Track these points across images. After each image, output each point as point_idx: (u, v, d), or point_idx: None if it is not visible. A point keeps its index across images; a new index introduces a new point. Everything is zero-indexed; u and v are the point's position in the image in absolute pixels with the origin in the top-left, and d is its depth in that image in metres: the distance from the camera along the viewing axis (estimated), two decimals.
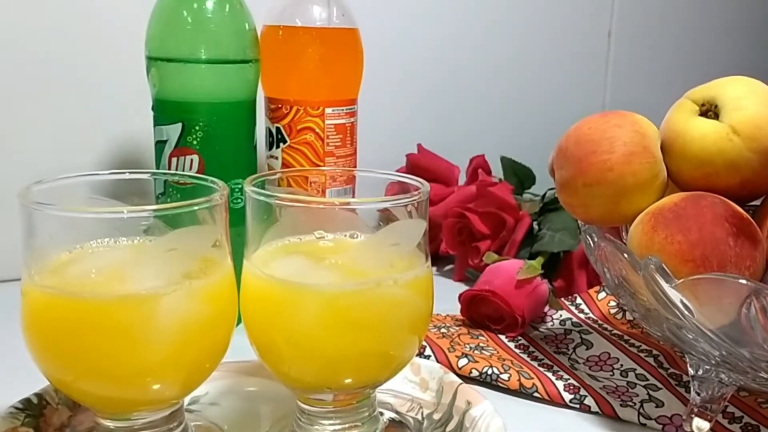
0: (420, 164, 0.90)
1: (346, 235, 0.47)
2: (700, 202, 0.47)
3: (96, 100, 0.78)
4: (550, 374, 0.59)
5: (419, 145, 0.91)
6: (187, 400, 0.47)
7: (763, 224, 0.49)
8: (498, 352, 0.62)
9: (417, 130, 0.96)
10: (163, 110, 0.61)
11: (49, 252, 0.41)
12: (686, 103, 0.51)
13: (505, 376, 0.57)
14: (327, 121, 0.65)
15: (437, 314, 0.70)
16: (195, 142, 0.60)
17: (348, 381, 0.44)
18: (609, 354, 0.62)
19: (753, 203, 0.52)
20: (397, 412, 0.51)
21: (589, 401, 0.55)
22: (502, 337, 0.66)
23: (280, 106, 0.65)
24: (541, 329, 0.68)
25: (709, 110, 0.50)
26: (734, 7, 1.17)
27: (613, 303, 0.71)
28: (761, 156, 0.48)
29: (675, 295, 0.43)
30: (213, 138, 0.61)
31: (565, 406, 0.56)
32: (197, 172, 0.60)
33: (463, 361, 0.59)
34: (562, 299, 0.73)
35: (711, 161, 0.48)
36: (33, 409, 0.46)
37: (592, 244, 0.51)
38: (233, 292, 0.44)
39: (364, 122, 0.94)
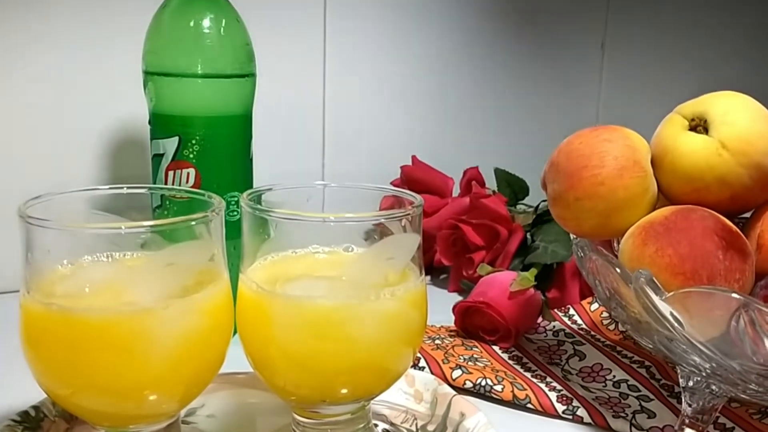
0: (414, 176, 0.90)
1: (341, 249, 0.47)
2: (690, 215, 0.47)
3: (93, 115, 0.78)
4: (543, 385, 0.59)
5: (414, 157, 0.91)
6: (183, 412, 0.47)
7: (753, 237, 0.49)
8: (492, 364, 0.63)
9: (411, 142, 0.96)
10: (160, 124, 0.62)
11: (47, 266, 0.41)
12: (676, 118, 0.52)
13: (498, 388, 0.58)
14: None
15: (431, 325, 0.71)
16: (191, 156, 0.61)
17: (342, 393, 0.44)
18: (601, 365, 0.63)
19: (743, 216, 0.52)
20: (391, 424, 0.52)
21: (581, 412, 0.56)
22: (496, 348, 0.67)
23: None
24: (534, 340, 0.69)
25: (699, 125, 0.50)
26: (727, 22, 1.18)
27: (605, 314, 0.72)
28: (751, 170, 0.48)
29: (665, 308, 0.44)
30: (209, 151, 0.61)
31: (558, 417, 0.56)
32: (194, 186, 0.61)
33: (457, 373, 0.59)
34: (555, 310, 0.74)
35: (701, 176, 0.49)
36: (30, 421, 0.47)
37: (583, 257, 0.52)
38: (229, 305, 0.44)
39: (359, 134, 0.95)
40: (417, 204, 0.44)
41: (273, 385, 0.45)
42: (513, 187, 0.90)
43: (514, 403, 0.57)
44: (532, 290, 0.69)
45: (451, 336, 0.69)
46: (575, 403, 0.56)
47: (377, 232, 0.44)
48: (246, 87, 0.63)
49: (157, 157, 0.62)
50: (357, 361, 0.43)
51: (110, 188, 0.46)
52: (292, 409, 0.47)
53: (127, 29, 0.70)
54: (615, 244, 0.56)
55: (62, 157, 0.78)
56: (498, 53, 1.02)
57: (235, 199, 0.62)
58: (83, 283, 0.41)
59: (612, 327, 0.70)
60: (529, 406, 0.57)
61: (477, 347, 0.67)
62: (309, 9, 0.89)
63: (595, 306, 0.73)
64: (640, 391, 0.58)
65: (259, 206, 0.44)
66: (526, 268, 0.75)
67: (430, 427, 0.51)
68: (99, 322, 0.38)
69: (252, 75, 0.63)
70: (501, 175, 0.91)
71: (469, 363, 0.62)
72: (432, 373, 0.59)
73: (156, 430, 0.43)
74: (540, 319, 0.71)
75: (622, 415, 0.55)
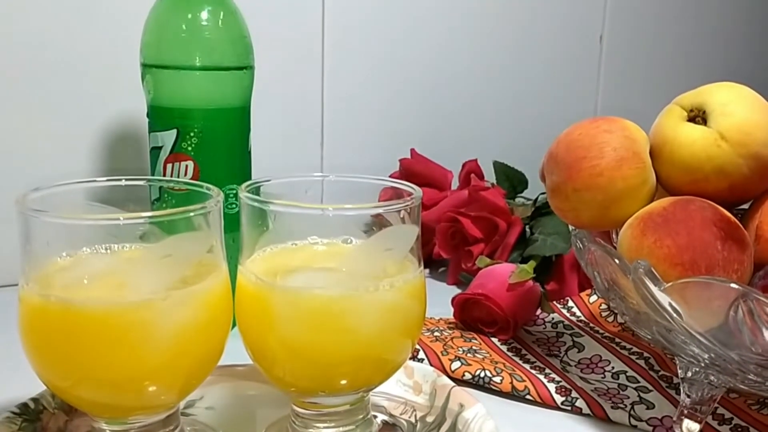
0: (413, 169, 0.90)
1: (339, 241, 0.47)
2: (689, 206, 0.47)
3: (92, 107, 0.78)
4: (542, 377, 0.59)
5: (413, 150, 0.91)
6: (182, 403, 0.47)
7: (751, 228, 0.49)
8: (490, 355, 0.63)
9: (410, 136, 0.96)
10: (158, 117, 0.61)
11: (45, 258, 0.42)
12: (675, 109, 0.52)
13: (497, 379, 0.58)
14: None
15: (430, 318, 0.71)
16: (190, 148, 0.61)
17: (342, 385, 0.44)
18: (600, 356, 0.63)
19: (741, 207, 0.52)
20: (390, 415, 0.52)
21: (580, 403, 0.56)
22: (495, 340, 0.67)
23: None
24: (533, 332, 0.69)
25: (698, 116, 0.50)
26: (726, 13, 1.18)
27: (604, 306, 0.72)
28: (749, 161, 0.48)
29: (664, 299, 0.44)
30: (208, 144, 0.61)
31: (557, 408, 0.56)
32: (192, 178, 0.61)
33: (456, 364, 0.59)
34: (554, 302, 0.74)
35: (700, 167, 0.49)
36: (30, 413, 0.47)
37: (582, 249, 0.52)
38: (228, 297, 0.44)
39: (358, 127, 0.95)
40: (416, 195, 0.44)
41: (272, 377, 0.45)
42: (512, 180, 0.90)
43: (513, 395, 0.57)
44: (530, 282, 0.69)
45: (450, 328, 0.69)
46: (574, 394, 0.57)
47: (376, 224, 0.44)
48: (244, 79, 0.63)
49: (156, 150, 0.62)
50: (356, 352, 0.43)
51: (109, 180, 0.46)
52: (291, 400, 0.47)
53: (125, 21, 0.69)
54: (614, 236, 0.56)
55: (61, 150, 0.78)
56: (496, 46, 1.02)
57: (234, 191, 0.62)
58: (82, 274, 0.41)
59: (611, 319, 0.70)
60: (528, 397, 0.57)
61: (476, 339, 0.67)
62: (307, 1, 0.88)
63: (593, 298, 0.73)
64: (638, 382, 0.58)
65: (257, 197, 0.44)
66: (524, 261, 0.75)
67: (429, 419, 0.51)
68: (98, 313, 0.38)
69: (250, 67, 0.63)
70: (500, 168, 0.91)
71: (468, 355, 0.62)
72: (431, 364, 0.59)
73: (155, 421, 0.43)
74: (539, 311, 0.71)
75: (621, 406, 0.55)
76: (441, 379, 0.53)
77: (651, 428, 0.53)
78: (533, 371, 0.60)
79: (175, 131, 0.61)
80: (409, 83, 0.97)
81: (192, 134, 0.61)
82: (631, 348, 0.64)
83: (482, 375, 0.58)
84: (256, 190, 0.46)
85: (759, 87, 0.51)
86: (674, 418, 0.51)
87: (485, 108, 1.03)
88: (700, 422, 0.49)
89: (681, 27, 1.16)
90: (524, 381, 0.58)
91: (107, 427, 0.43)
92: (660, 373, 0.60)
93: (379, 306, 0.43)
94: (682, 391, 0.49)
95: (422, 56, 0.97)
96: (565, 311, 0.72)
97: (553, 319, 0.71)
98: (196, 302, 0.41)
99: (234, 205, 0.62)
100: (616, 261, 0.47)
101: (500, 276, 0.68)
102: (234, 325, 0.45)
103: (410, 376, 0.54)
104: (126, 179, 0.47)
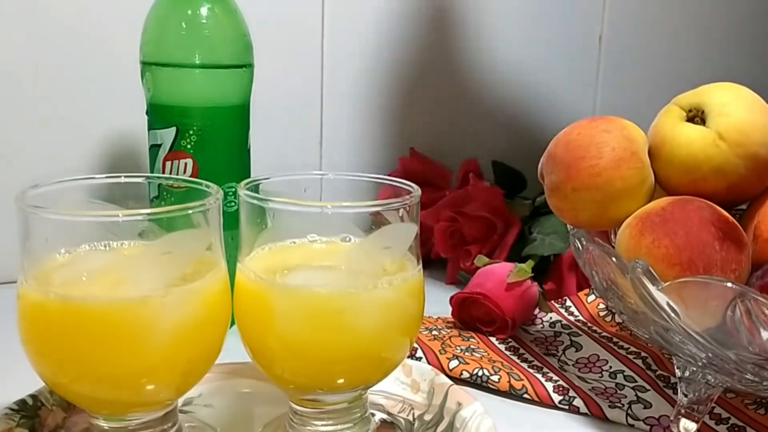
0: (412, 168, 0.90)
1: (338, 239, 0.47)
2: (687, 206, 0.48)
3: (91, 105, 0.78)
4: (539, 376, 0.59)
5: (412, 149, 0.92)
6: (180, 401, 0.47)
7: (749, 228, 0.50)
8: (488, 354, 0.63)
9: (410, 135, 0.96)
10: (158, 114, 0.62)
11: (45, 255, 0.42)
12: (673, 109, 0.52)
13: (495, 378, 0.58)
14: None
15: (429, 316, 0.71)
16: (189, 146, 0.61)
17: (340, 382, 0.44)
18: (598, 356, 0.63)
19: (739, 207, 0.52)
20: (388, 413, 0.52)
21: (578, 402, 0.56)
22: (493, 339, 0.67)
23: None
24: (531, 331, 0.69)
25: (696, 116, 0.50)
26: (724, 14, 1.18)
27: (602, 305, 0.72)
28: (747, 161, 0.49)
29: (662, 298, 0.44)
30: (207, 142, 0.61)
31: (555, 407, 0.56)
32: (191, 176, 0.61)
33: (454, 363, 0.60)
34: (552, 302, 0.74)
35: (698, 167, 0.49)
36: (28, 410, 0.47)
37: (580, 248, 0.52)
38: (227, 294, 0.44)
39: (357, 126, 0.95)
40: (414, 194, 0.44)
41: (270, 374, 0.45)
42: (510, 180, 0.90)
43: (511, 394, 0.58)
44: (529, 282, 0.69)
45: (448, 327, 0.69)
46: (572, 393, 0.57)
47: (375, 222, 0.44)
48: (244, 77, 0.63)
49: (155, 148, 0.62)
50: (354, 350, 0.43)
51: (108, 177, 0.46)
52: (289, 398, 0.47)
53: (125, 19, 0.69)
54: (612, 235, 0.56)
55: (60, 147, 0.78)
56: (496, 46, 1.02)
57: (233, 189, 0.62)
58: (81, 271, 0.41)
59: (608, 318, 0.70)
60: (525, 396, 0.57)
61: (474, 338, 0.67)
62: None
63: (591, 297, 0.73)
64: (636, 381, 0.59)
65: (256, 195, 0.44)
66: (523, 260, 0.75)
67: (427, 417, 0.51)
68: (97, 310, 0.39)
69: (250, 65, 0.63)
70: (498, 167, 0.91)
71: (466, 353, 0.62)
72: (429, 363, 0.59)
73: (153, 418, 0.43)
74: (537, 311, 0.71)
75: (618, 405, 0.55)
76: (439, 378, 0.53)
77: (648, 427, 0.53)
78: (531, 370, 0.61)
79: (174, 129, 0.61)
80: (407, 82, 0.97)
81: (191, 132, 0.61)
82: (629, 347, 0.64)
83: (480, 374, 0.58)
84: (255, 188, 0.46)
85: (757, 87, 0.51)
86: (671, 418, 0.51)
87: (484, 108, 1.03)
88: (697, 422, 0.49)
89: (680, 27, 1.16)
90: (522, 380, 0.58)
91: (105, 424, 0.43)
92: (657, 373, 0.60)
93: (377, 304, 0.43)
94: (679, 390, 0.50)
95: (421, 55, 0.97)
96: (563, 311, 0.73)
97: (551, 318, 0.71)
98: (195, 299, 0.41)
99: (233, 203, 0.62)
100: (614, 260, 0.47)
101: (498, 275, 0.68)
102: (233, 322, 0.45)
103: (408, 375, 0.54)
104: (125, 176, 0.47)
